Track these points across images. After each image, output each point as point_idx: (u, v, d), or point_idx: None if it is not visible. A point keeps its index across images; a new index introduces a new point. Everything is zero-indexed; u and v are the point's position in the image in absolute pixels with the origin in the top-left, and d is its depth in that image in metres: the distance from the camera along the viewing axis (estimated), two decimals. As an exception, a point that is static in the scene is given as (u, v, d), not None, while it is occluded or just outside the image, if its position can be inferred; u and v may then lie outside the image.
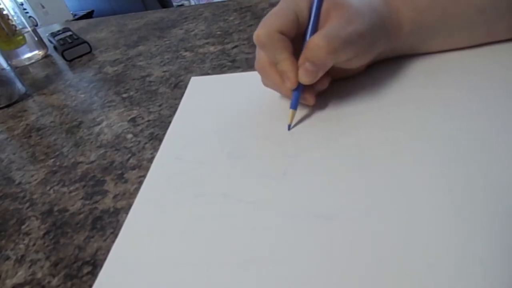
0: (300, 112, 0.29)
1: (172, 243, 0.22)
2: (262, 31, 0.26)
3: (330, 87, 0.30)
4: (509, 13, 0.28)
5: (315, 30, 0.27)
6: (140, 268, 0.21)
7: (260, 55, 0.29)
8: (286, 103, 0.31)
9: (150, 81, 0.44)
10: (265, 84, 0.31)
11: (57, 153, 0.35)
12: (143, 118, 0.37)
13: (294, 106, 0.28)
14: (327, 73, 0.27)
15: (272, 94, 0.33)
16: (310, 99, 0.28)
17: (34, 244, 0.25)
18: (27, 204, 0.30)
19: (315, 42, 0.25)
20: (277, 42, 0.26)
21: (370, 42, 0.27)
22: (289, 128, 0.28)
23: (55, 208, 0.28)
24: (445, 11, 0.28)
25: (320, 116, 0.29)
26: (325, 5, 0.26)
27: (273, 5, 0.58)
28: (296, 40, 0.27)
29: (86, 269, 0.22)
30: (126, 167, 0.30)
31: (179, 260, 0.21)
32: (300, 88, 0.27)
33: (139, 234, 0.23)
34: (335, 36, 0.25)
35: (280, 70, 0.27)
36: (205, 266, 0.20)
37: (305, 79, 0.26)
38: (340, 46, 0.25)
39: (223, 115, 0.32)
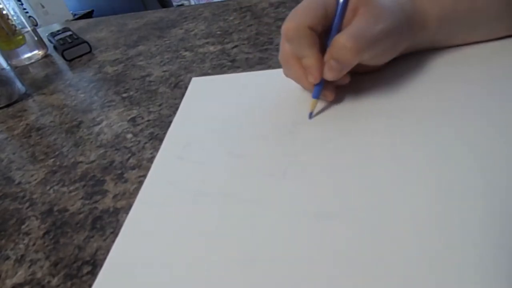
0: (302, 111, 0.29)
1: (172, 243, 0.22)
2: (292, 25, 0.26)
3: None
4: None
5: (340, 26, 0.26)
6: (140, 268, 0.21)
7: (285, 47, 0.29)
8: (286, 104, 0.31)
9: (150, 81, 0.44)
10: (286, 75, 0.31)
11: (57, 153, 0.35)
12: (143, 118, 0.37)
13: (316, 96, 0.28)
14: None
15: (272, 94, 0.33)
16: (329, 95, 0.28)
17: (34, 244, 0.25)
18: (27, 204, 0.30)
19: (341, 42, 0.25)
20: (305, 38, 0.26)
21: (396, 40, 0.27)
22: (310, 117, 0.28)
23: (55, 208, 0.28)
24: (471, 5, 0.28)
25: (321, 115, 0.29)
26: (353, 0, 0.26)
27: (272, 5, 0.58)
28: (322, 35, 0.27)
29: (86, 269, 0.22)
30: (126, 167, 0.30)
31: (179, 259, 0.21)
32: (322, 83, 0.28)
33: (139, 233, 0.23)
34: (362, 36, 0.25)
35: (305, 65, 0.27)
36: (205, 265, 0.20)
37: (329, 76, 0.26)
38: (366, 46, 0.25)
39: (224, 115, 0.32)
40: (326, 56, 0.26)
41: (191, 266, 0.20)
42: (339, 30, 0.26)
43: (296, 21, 0.26)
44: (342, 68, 0.26)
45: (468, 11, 0.28)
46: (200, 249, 0.21)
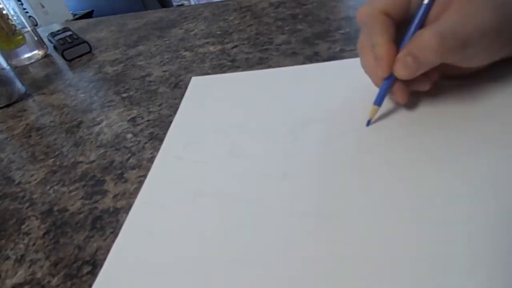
0: (302, 111, 0.29)
1: (172, 243, 0.22)
2: (365, 9, 0.24)
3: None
4: None
5: (425, 18, 0.23)
6: (140, 268, 0.21)
7: (362, 35, 0.26)
8: (287, 103, 0.31)
9: (150, 81, 0.44)
10: (362, 67, 0.27)
11: (57, 152, 0.35)
12: (143, 118, 0.37)
13: (379, 102, 0.25)
14: (434, 72, 0.24)
15: (273, 94, 0.33)
16: (401, 96, 0.24)
17: (34, 244, 0.25)
18: (27, 204, 0.30)
19: (425, 38, 0.21)
20: (377, 24, 0.23)
21: (495, 40, 0.22)
22: (367, 124, 0.26)
23: (55, 208, 0.28)
24: None
25: (321, 116, 0.29)
26: None
27: (272, 5, 0.58)
28: (402, 25, 0.24)
29: (86, 269, 0.22)
30: (126, 166, 0.30)
31: (179, 259, 0.21)
32: (391, 80, 0.24)
33: (140, 233, 0.23)
34: (452, 37, 0.21)
35: (376, 54, 0.24)
36: (205, 266, 0.20)
37: (401, 73, 0.23)
38: (454, 48, 0.21)
39: (224, 115, 0.32)
40: (403, 51, 0.23)
41: (191, 266, 0.20)
42: (422, 23, 0.23)
43: (371, 4, 0.23)
44: (418, 67, 0.22)
45: None
46: (200, 249, 0.21)
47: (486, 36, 0.22)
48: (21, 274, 0.23)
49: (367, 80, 0.26)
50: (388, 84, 0.25)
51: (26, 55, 0.64)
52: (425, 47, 0.22)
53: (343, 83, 0.31)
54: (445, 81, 0.26)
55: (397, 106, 0.27)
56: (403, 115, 0.26)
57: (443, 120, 0.25)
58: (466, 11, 0.21)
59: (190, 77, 0.42)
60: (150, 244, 0.22)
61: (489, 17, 0.21)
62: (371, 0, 0.24)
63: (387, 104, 0.27)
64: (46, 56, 0.66)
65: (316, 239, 0.20)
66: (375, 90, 0.26)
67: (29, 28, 0.63)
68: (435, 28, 0.22)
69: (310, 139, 0.27)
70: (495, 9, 0.22)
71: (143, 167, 0.30)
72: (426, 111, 0.26)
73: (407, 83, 0.24)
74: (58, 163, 0.34)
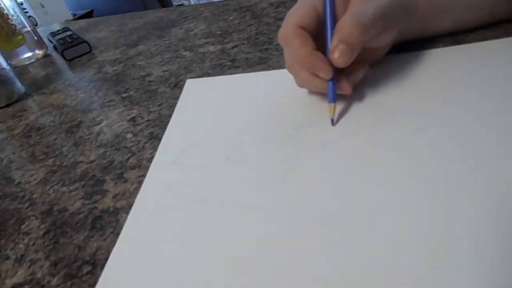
0: (301, 114, 0.29)
1: (170, 250, 0.22)
2: (282, 30, 0.26)
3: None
4: None
5: (335, 18, 0.27)
6: (138, 275, 0.21)
7: (287, 55, 0.29)
8: (285, 107, 0.31)
9: (150, 81, 0.44)
10: (299, 85, 0.30)
11: (56, 152, 0.35)
12: (143, 118, 0.37)
13: (332, 99, 0.27)
14: (360, 62, 0.27)
15: (270, 96, 0.33)
16: (346, 87, 0.27)
17: (33, 244, 0.25)
18: (27, 204, 0.30)
19: (346, 22, 0.25)
20: (297, 37, 0.26)
21: (391, 18, 0.27)
22: (332, 123, 0.27)
23: (55, 208, 0.28)
24: None
25: (321, 118, 0.28)
26: None
27: (272, 5, 0.58)
28: (318, 37, 0.27)
29: (86, 269, 0.22)
30: (126, 166, 0.30)
31: (176, 267, 0.20)
32: (335, 79, 0.27)
33: (137, 241, 0.23)
34: (364, 14, 0.25)
35: (307, 67, 0.27)
36: (205, 271, 0.20)
37: (340, 60, 0.25)
38: (369, 22, 0.25)
39: (220, 118, 0.32)
40: (333, 42, 0.25)
41: (189, 273, 0.20)
42: (334, 24, 0.26)
43: (285, 25, 0.26)
44: (352, 49, 0.25)
45: None
46: (198, 255, 0.21)
47: (386, 13, 0.26)
48: (21, 274, 0.23)
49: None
50: (334, 80, 0.27)
51: (26, 55, 0.64)
52: (348, 28, 0.25)
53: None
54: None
55: (394, 107, 0.27)
56: (402, 114, 0.26)
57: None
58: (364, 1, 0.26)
59: (190, 77, 0.42)
60: (146, 252, 0.22)
61: (381, 2, 0.26)
62: (285, 22, 0.27)
63: (386, 104, 0.27)
64: (46, 56, 0.66)
65: (317, 244, 0.19)
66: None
67: (29, 28, 0.63)
68: (349, 14, 0.25)
69: (309, 142, 0.26)
70: None
71: (143, 167, 0.30)
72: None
73: (345, 76, 0.28)
74: (58, 163, 0.34)
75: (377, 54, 0.31)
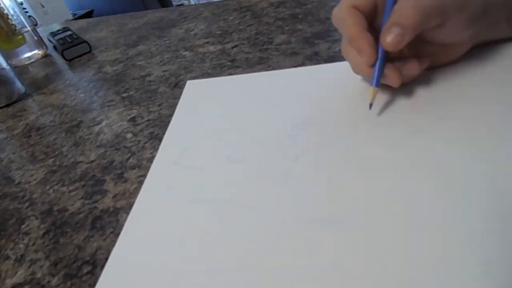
0: (300, 114, 0.29)
1: (170, 250, 0.22)
2: (336, 10, 0.25)
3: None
4: None
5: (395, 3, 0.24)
6: (138, 275, 0.21)
7: (343, 40, 0.27)
8: (284, 106, 0.31)
9: (150, 81, 0.44)
10: (353, 70, 0.28)
11: (56, 152, 0.35)
12: (143, 118, 0.37)
13: (375, 83, 0.25)
14: (419, 58, 0.25)
15: (270, 97, 0.33)
16: (394, 78, 0.25)
17: (33, 244, 0.25)
18: (27, 204, 0.30)
19: (404, 3, 0.23)
20: (349, 17, 0.24)
21: (463, 7, 0.24)
22: (370, 107, 0.26)
23: (55, 208, 0.28)
24: None
25: (320, 118, 0.29)
26: None
27: (272, 5, 0.58)
28: (375, 21, 0.26)
29: (86, 269, 0.22)
30: (125, 166, 0.30)
31: (176, 267, 0.20)
32: (381, 63, 0.25)
33: (137, 241, 0.23)
34: (428, 3, 0.23)
35: (355, 47, 0.25)
36: (205, 271, 0.20)
37: (389, 42, 0.23)
38: (430, 7, 0.23)
39: (221, 119, 0.32)
40: (387, 24, 0.24)
41: (189, 273, 0.20)
42: (393, 5, 0.24)
43: (340, 4, 0.25)
44: (404, 32, 0.23)
45: None
46: (198, 255, 0.21)
47: (456, 2, 0.23)
48: (21, 274, 0.23)
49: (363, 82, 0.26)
50: (380, 64, 0.25)
51: (26, 55, 0.64)
52: (404, 8, 0.23)
53: (340, 84, 0.31)
54: (431, 72, 0.28)
55: (393, 106, 0.27)
56: (401, 116, 0.26)
57: (439, 113, 0.25)
58: None
59: (190, 77, 0.42)
60: (146, 251, 0.22)
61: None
62: (341, 1, 0.25)
63: (383, 105, 0.27)
64: (46, 56, 0.66)
65: (317, 244, 0.19)
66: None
67: (29, 28, 0.63)
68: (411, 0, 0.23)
69: (309, 142, 0.26)
70: None
71: (143, 167, 0.30)
72: (422, 108, 0.26)
73: (397, 66, 0.25)
74: (58, 163, 0.34)
75: (448, 53, 0.27)
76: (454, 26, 0.25)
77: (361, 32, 0.24)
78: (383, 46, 0.24)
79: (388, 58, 0.26)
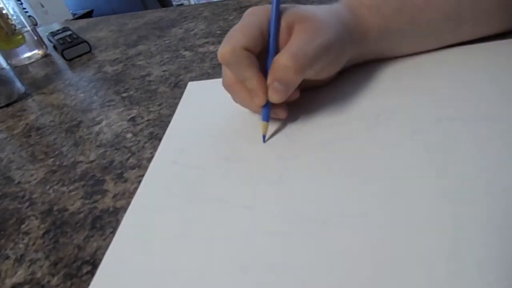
0: (298, 115, 0.29)
1: (166, 249, 0.22)
2: (227, 49, 0.25)
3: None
4: (472, 18, 0.29)
5: (277, 45, 0.26)
6: (134, 274, 0.21)
7: (227, 73, 0.28)
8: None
9: (150, 81, 0.44)
10: (235, 101, 0.30)
11: (56, 152, 0.35)
12: (142, 118, 0.37)
13: (266, 118, 0.27)
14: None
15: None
16: (281, 113, 0.28)
17: (33, 244, 0.25)
18: (27, 204, 0.30)
19: (282, 62, 0.24)
20: (242, 60, 0.25)
21: (337, 53, 0.27)
22: (264, 140, 0.28)
23: (55, 208, 0.28)
24: (412, 19, 0.29)
25: (317, 118, 0.29)
26: (288, 19, 0.26)
27: (273, 4, 0.58)
28: (261, 55, 0.26)
29: (86, 269, 0.22)
30: (125, 166, 0.30)
31: (173, 266, 0.20)
32: (270, 103, 0.27)
33: (134, 239, 0.23)
34: (302, 54, 0.24)
35: (249, 87, 0.26)
36: (201, 271, 0.20)
37: (275, 98, 0.26)
38: (307, 64, 0.25)
39: (220, 120, 0.32)
40: (269, 79, 0.26)
41: (185, 272, 0.20)
42: (276, 50, 0.26)
43: (231, 43, 0.25)
44: (286, 89, 0.25)
45: (410, 22, 0.29)
46: (195, 255, 0.21)
47: (331, 50, 0.26)
48: (20, 274, 0.23)
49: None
50: (269, 106, 0.27)
51: (26, 55, 0.64)
52: (284, 69, 0.24)
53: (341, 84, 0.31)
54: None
55: (390, 108, 0.27)
56: (399, 116, 0.26)
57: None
58: (309, 31, 0.25)
59: (190, 77, 0.42)
60: (143, 250, 0.22)
61: (330, 33, 0.26)
62: (229, 40, 0.25)
63: (382, 106, 0.27)
64: (46, 55, 0.66)
65: (312, 243, 0.19)
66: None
67: (28, 28, 0.63)
68: (286, 50, 0.25)
69: (306, 142, 0.26)
70: (334, 26, 0.26)
71: (143, 166, 0.30)
72: (421, 109, 0.26)
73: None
74: (57, 162, 0.34)
75: (321, 83, 0.31)
76: (332, 67, 0.28)
77: (256, 75, 0.25)
78: (269, 100, 0.26)
79: None
